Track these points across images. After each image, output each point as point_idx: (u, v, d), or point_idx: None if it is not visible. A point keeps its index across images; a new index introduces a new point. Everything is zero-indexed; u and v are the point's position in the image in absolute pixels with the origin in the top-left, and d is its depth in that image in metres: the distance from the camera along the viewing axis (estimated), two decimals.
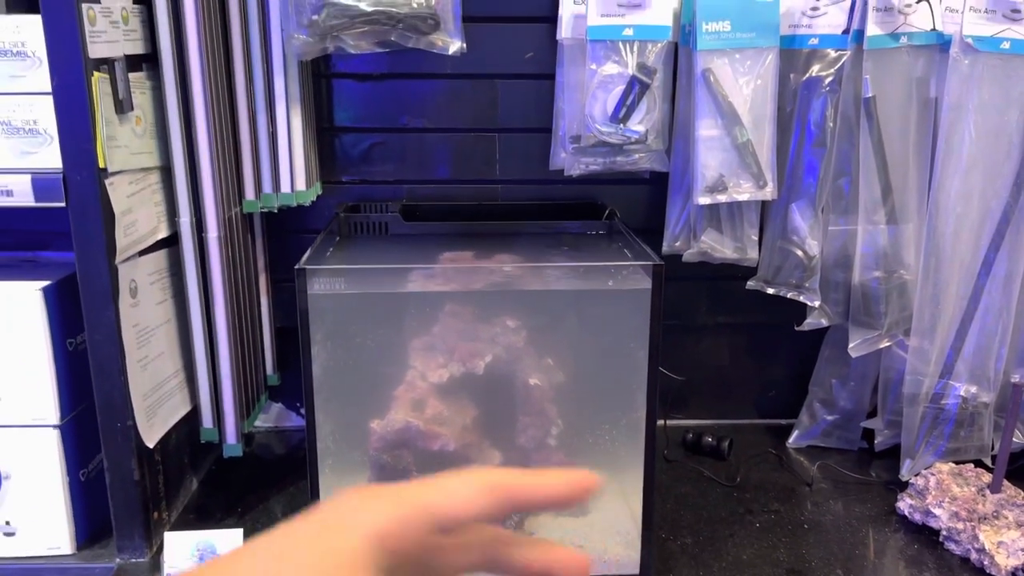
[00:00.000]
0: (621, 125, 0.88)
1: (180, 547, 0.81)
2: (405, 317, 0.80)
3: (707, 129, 0.89)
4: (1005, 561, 0.81)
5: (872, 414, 1.07)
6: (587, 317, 0.79)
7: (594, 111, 0.89)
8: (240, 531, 0.82)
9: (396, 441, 0.81)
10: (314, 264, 0.74)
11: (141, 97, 0.81)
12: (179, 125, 0.82)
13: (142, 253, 0.82)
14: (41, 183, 0.73)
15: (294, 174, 0.93)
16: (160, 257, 0.86)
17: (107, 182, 0.74)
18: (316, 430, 0.75)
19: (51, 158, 0.73)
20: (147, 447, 0.82)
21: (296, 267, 0.71)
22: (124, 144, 0.77)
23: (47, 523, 0.82)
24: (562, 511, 0.85)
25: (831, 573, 0.82)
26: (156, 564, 0.82)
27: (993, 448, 0.97)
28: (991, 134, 0.89)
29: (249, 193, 0.92)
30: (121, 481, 0.81)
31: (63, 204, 0.73)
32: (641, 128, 0.88)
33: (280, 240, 1.07)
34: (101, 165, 0.73)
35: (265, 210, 0.94)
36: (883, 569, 0.84)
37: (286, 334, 1.10)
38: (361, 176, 1.06)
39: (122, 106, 0.76)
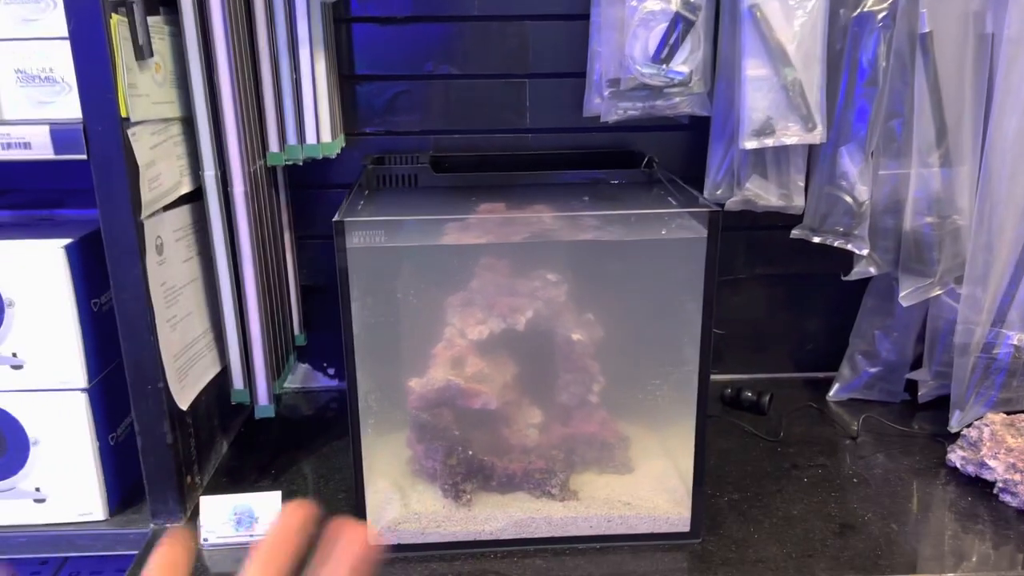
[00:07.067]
0: (664, 66, 0.83)
1: (216, 511, 0.78)
2: (443, 271, 0.77)
3: (754, 69, 0.84)
4: None
5: (916, 365, 1.04)
6: (635, 269, 0.75)
7: (634, 51, 0.84)
8: (278, 493, 0.79)
9: (436, 400, 0.79)
10: (350, 216, 0.71)
11: (160, 43, 0.76)
12: (200, 72, 0.78)
13: (166, 209, 0.78)
14: (60, 135, 0.69)
15: (319, 124, 0.89)
16: (184, 213, 0.83)
17: (130, 132, 0.70)
18: (357, 389, 0.72)
19: (69, 108, 0.69)
20: (179, 409, 0.79)
21: (334, 220, 0.67)
22: (145, 93, 0.73)
23: (78, 489, 0.80)
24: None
25: (885, 527, 0.80)
26: (192, 529, 0.80)
27: None
28: None
29: (273, 145, 0.88)
30: (153, 445, 0.78)
31: (84, 157, 0.69)
32: (685, 69, 0.84)
33: (303, 195, 1.03)
34: (123, 114, 0.69)
35: (290, 163, 0.90)
36: (937, 522, 0.82)
37: (311, 292, 1.07)
38: (386, 127, 1.01)
39: (142, 52, 0.72)
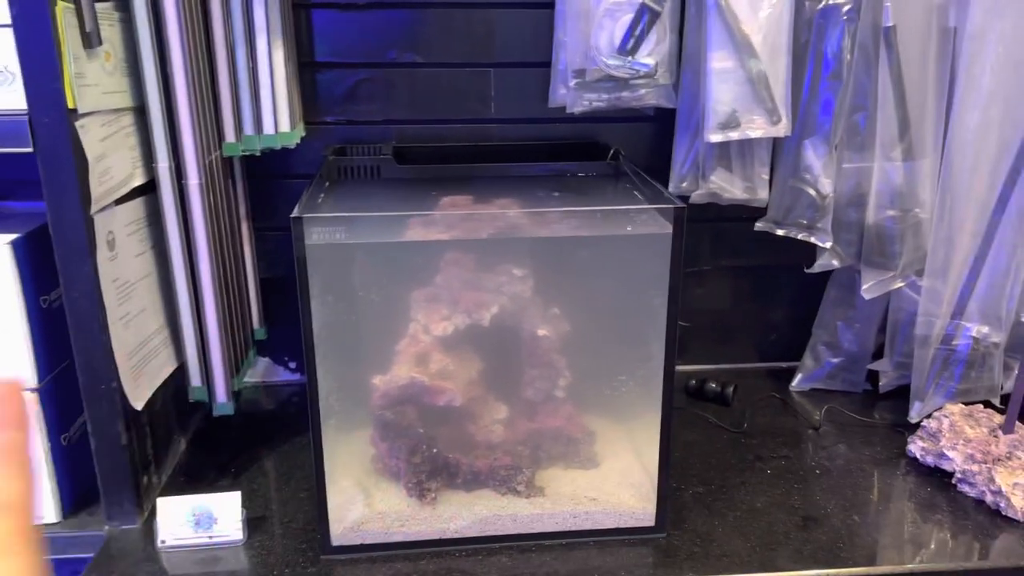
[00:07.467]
0: (630, 58, 0.82)
1: (174, 512, 0.76)
2: (406, 267, 0.75)
3: (720, 61, 0.84)
4: (1021, 503, 0.80)
5: (877, 356, 1.05)
6: (601, 264, 0.74)
7: (600, 42, 0.83)
8: (238, 493, 0.78)
9: (400, 397, 0.77)
10: (309, 212, 0.69)
11: (109, 30, 0.73)
12: (153, 60, 0.75)
13: (118, 202, 0.76)
14: (5, 127, 0.66)
15: (277, 114, 0.86)
16: (137, 206, 0.80)
17: (78, 124, 0.67)
18: (317, 388, 0.71)
19: (13, 98, 0.66)
20: (134, 409, 0.77)
21: (292, 216, 0.65)
22: (94, 82, 0.70)
23: None
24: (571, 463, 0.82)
25: (847, 519, 0.81)
26: (148, 530, 0.78)
27: (1003, 389, 0.96)
28: (1012, 65, 0.85)
29: (229, 135, 0.85)
30: (107, 446, 0.76)
31: (30, 150, 0.67)
32: (651, 61, 0.83)
33: (261, 186, 1.00)
34: (70, 106, 0.66)
35: (247, 153, 0.87)
36: (897, 513, 0.83)
37: (271, 285, 1.05)
38: (347, 116, 0.99)
39: (89, 40, 0.69)
